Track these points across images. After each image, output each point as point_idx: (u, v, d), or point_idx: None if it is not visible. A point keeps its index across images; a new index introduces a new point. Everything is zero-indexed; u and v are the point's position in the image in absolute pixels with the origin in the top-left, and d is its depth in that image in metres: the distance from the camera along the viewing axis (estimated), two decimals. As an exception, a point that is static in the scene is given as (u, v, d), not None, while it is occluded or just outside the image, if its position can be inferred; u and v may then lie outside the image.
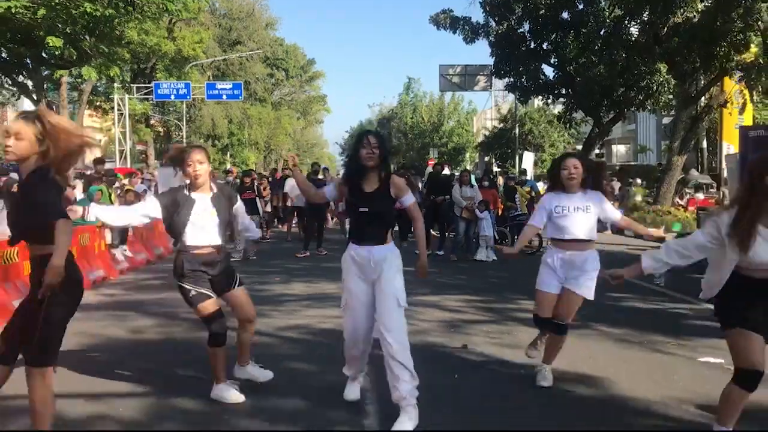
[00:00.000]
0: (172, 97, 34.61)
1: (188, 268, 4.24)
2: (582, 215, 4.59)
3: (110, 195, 10.48)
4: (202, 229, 4.22)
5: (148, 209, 4.27)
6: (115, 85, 31.87)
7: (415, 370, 4.01)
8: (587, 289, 4.68)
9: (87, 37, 18.45)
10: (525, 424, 4.05)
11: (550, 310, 4.68)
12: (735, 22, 13.72)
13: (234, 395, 4.34)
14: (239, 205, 4.64)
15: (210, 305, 4.26)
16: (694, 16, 16.64)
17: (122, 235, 10.64)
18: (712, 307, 3.82)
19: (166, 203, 4.24)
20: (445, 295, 8.37)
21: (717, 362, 5.34)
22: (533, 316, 4.87)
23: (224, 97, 35.49)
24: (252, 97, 53.50)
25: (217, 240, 4.28)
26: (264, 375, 4.62)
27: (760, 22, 12.89)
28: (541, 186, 22.45)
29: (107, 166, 27.92)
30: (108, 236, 10.15)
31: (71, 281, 3.38)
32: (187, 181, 4.33)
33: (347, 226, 14.33)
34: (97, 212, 4.17)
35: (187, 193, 4.26)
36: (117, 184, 11.43)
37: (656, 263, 3.75)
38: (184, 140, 44.93)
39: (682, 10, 16.82)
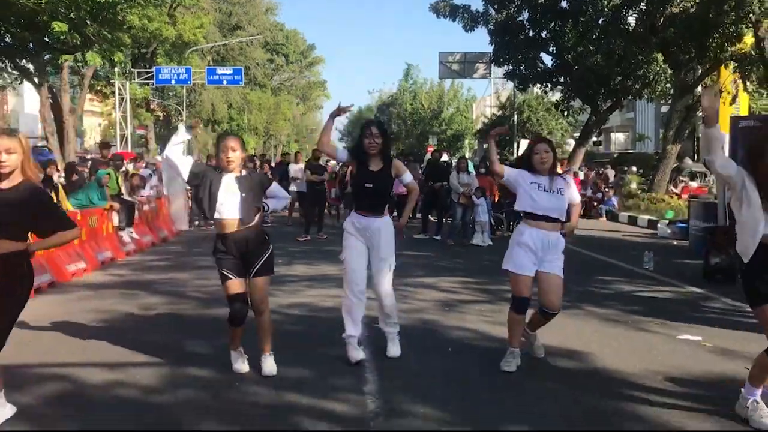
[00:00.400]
0: (173, 82, 34.79)
1: (218, 248, 4.54)
2: (556, 196, 4.71)
3: (117, 179, 10.78)
4: (223, 204, 4.45)
5: (183, 161, 4.60)
6: (116, 69, 31.93)
7: (412, 345, 5.20)
8: (561, 270, 4.83)
9: (90, 23, 18.60)
10: (515, 393, 4.39)
11: (529, 290, 4.77)
12: (727, 14, 13.95)
13: (238, 365, 4.67)
14: (274, 187, 4.80)
15: (231, 286, 4.50)
16: (692, 5, 16.85)
17: (129, 217, 10.96)
18: (695, 290, 4.18)
19: (194, 170, 4.53)
20: (441, 277, 8.72)
21: (695, 339, 5.69)
22: (513, 299, 4.84)
23: (225, 82, 35.67)
24: (252, 82, 53.58)
25: (236, 214, 4.46)
26: (269, 369, 4.61)
27: (751, 15, 13.11)
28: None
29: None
30: (115, 219, 10.47)
31: (30, 281, 3.79)
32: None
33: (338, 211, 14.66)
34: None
35: (217, 173, 4.54)
36: (123, 168, 11.70)
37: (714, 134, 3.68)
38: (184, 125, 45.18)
39: (678, 1, 17.04)
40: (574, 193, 5.00)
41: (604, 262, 10.50)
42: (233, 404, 4.11)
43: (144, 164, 14.15)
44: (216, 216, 4.51)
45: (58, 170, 10.56)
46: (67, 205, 9.41)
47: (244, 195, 4.47)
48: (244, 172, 4.60)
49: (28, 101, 45.81)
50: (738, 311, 6.82)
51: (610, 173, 22.48)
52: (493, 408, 4.08)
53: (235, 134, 4.90)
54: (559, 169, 5.26)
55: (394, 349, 5.09)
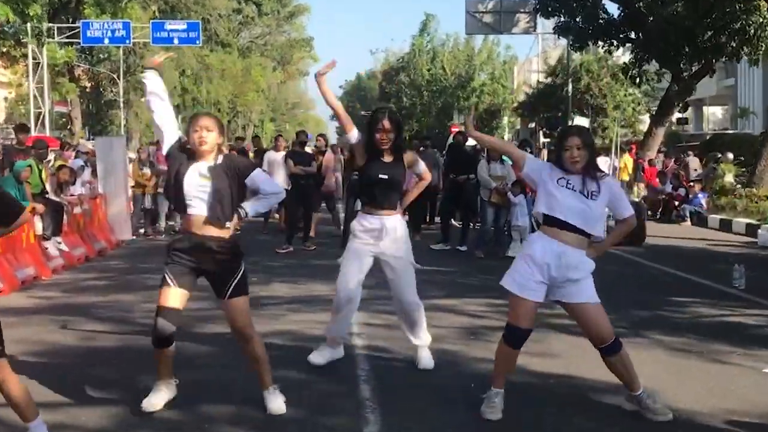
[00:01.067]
0: (106, 41, 35.20)
1: (174, 246, 5.07)
2: (587, 200, 4.83)
3: (41, 172, 11.33)
4: (190, 196, 4.93)
5: (168, 127, 5.20)
6: (29, 25, 32.36)
7: (425, 379, 6.01)
8: (595, 295, 5.06)
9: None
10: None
11: (529, 319, 5.09)
12: None
13: (151, 399, 5.10)
14: (258, 176, 5.13)
15: (167, 295, 5.00)
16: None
17: (56, 223, 11.48)
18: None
19: (169, 150, 5.10)
20: (465, 298, 9.25)
21: (785, 373, 6.16)
22: (506, 327, 5.25)
23: (176, 41, 35.88)
24: (212, 40, 54.26)
25: (203, 211, 4.91)
26: (276, 407, 5.07)
27: None
28: (602, 162, 23.21)
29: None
30: (38, 225, 10.97)
31: None
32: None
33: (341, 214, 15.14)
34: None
35: (186, 159, 5.02)
36: (49, 158, 12.26)
37: None
38: (121, 98, 45.94)
39: None
40: (620, 203, 5.06)
41: (682, 279, 11.01)
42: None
43: (73, 153, 14.68)
44: (180, 210, 5.09)
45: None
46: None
47: (216, 187, 4.91)
48: (219, 158, 5.05)
49: None
50: None
51: (693, 162, 22.86)
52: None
53: (209, 113, 5.42)
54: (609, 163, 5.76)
55: (426, 360, 6.24)
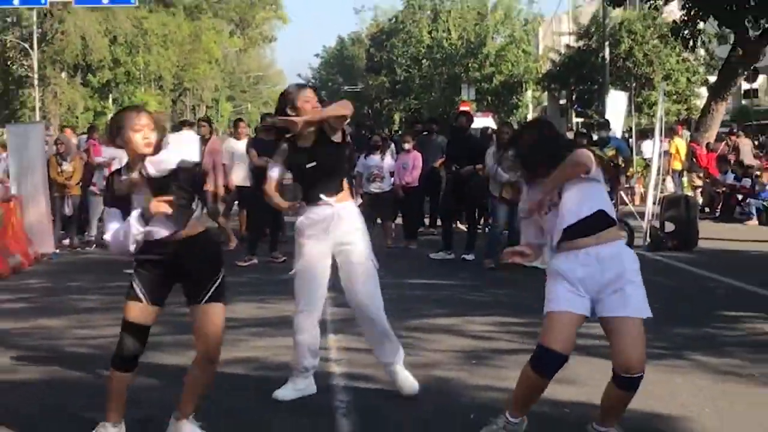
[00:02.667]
0: (16, 1, 35.28)
1: (147, 249, 5.29)
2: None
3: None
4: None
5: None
6: None
7: (418, 410, 6.32)
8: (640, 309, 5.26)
9: None
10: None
11: (568, 342, 5.26)
12: None
13: None
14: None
15: (136, 311, 5.32)
16: None
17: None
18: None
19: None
20: (468, 316, 9.58)
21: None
22: (537, 349, 5.34)
23: (105, 0, 35.96)
24: (152, -2, 54.21)
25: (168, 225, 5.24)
26: None
27: None
28: (647, 146, 23.42)
29: None
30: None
31: None
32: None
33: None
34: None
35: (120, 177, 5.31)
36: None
37: None
38: (35, 73, 46.02)
39: None
40: None
41: (739, 290, 11.36)
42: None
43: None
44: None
45: None
46: None
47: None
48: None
49: None
50: None
51: (745, 144, 22.97)
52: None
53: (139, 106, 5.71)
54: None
55: (408, 383, 6.53)
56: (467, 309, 10.13)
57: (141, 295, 5.30)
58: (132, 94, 54.53)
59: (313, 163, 6.23)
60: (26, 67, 45.71)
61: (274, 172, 6.53)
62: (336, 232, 6.32)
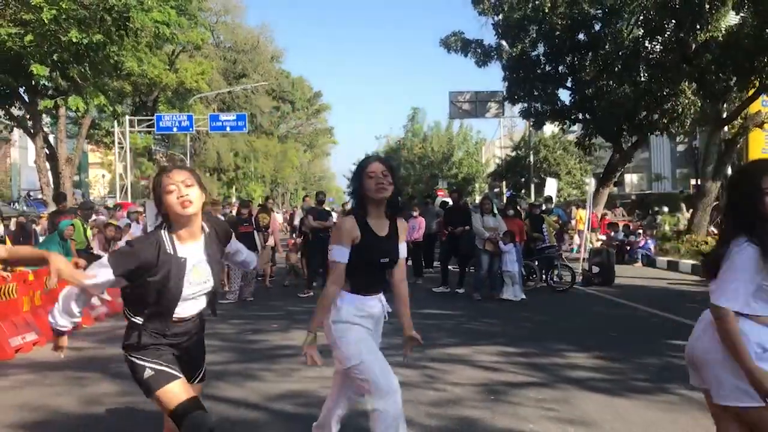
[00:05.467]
0: (175, 129, 33.64)
1: (147, 341, 2.84)
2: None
3: (85, 230, 9.18)
4: (189, 298, 2.86)
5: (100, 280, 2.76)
6: (106, 114, 30.77)
7: None
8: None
9: (75, 65, 17.29)
10: None
11: None
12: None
13: None
14: (234, 242, 3.20)
15: (182, 388, 2.79)
16: (718, 34, 15.53)
17: (100, 275, 9.32)
18: None
19: (129, 268, 2.76)
20: (475, 346, 6.91)
21: None
22: None
23: (228, 128, 34.50)
24: (258, 130, 52.85)
25: (203, 305, 2.94)
26: None
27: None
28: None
29: (109, 202, 26.86)
30: (82, 278, 8.82)
31: None
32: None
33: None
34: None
35: (169, 246, 2.80)
36: (95, 218, 10.10)
37: None
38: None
39: (709, 26, 15.65)
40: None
41: (668, 320, 8.70)
42: None
43: (126, 213, 12.58)
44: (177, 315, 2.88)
45: (3, 221, 8.96)
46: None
47: (214, 276, 2.95)
48: (205, 226, 2.93)
49: (31, 154, 44.92)
50: None
51: (619, 211, 21.40)
52: None
53: (181, 164, 3.16)
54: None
55: None
56: (471, 338, 7.43)
57: (176, 372, 2.81)
58: (246, 186, 53.06)
59: (387, 260, 3.27)
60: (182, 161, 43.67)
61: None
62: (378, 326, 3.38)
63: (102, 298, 9.28)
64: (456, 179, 49.59)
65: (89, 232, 9.26)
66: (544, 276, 11.83)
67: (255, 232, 11.16)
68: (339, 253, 3.17)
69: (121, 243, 10.76)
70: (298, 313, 9.31)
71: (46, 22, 15.63)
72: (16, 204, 29.04)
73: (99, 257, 8.82)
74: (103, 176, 51.70)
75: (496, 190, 45.65)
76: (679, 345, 6.85)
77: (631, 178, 51.76)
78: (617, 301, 10.45)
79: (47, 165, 23.76)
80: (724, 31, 15.53)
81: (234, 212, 13.33)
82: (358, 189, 3.23)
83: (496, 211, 11.30)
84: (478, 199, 48.22)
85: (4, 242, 7.72)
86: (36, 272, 7.85)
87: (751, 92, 15.38)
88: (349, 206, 13.48)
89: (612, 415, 4.54)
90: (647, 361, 6.17)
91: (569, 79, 22.29)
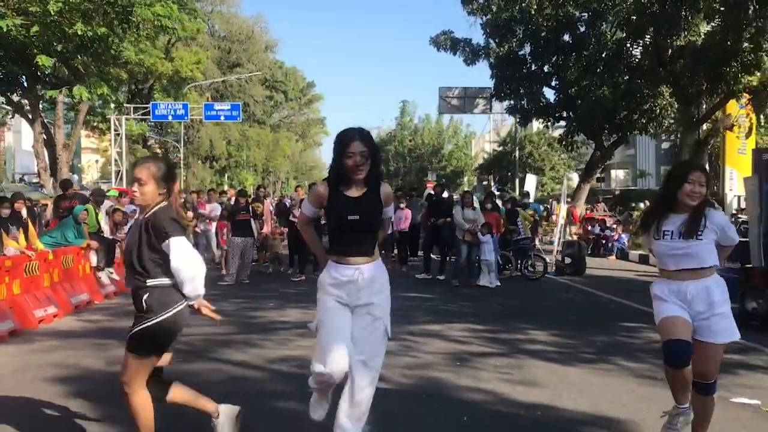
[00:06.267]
0: (170, 117, 34.27)
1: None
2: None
3: (97, 215, 9.97)
4: None
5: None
6: (112, 105, 31.45)
7: (421, 410, 4.36)
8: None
9: (79, 56, 17.99)
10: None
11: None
12: (746, 42, 13.45)
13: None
14: (167, 244, 3.34)
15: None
16: (697, 39, 16.40)
17: (108, 256, 10.13)
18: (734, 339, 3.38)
19: None
20: (448, 323, 7.81)
21: (752, 403, 4.83)
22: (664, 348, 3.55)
23: (222, 118, 35.12)
24: (251, 119, 53.35)
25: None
26: None
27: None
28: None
29: (103, 186, 27.54)
30: (93, 258, 9.63)
31: None
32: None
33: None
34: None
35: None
36: (106, 204, 10.89)
37: None
38: (181, 161, 44.73)
39: (686, 33, 16.55)
40: None
41: (625, 306, 9.61)
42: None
43: (129, 200, 13.33)
44: None
45: (27, 205, 9.72)
46: (38, 244, 8.56)
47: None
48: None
49: (25, 138, 45.35)
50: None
51: (600, 206, 22.26)
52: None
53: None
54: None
55: None
56: (445, 317, 8.34)
57: None
58: (238, 174, 53.64)
59: (356, 217, 3.40)
60: (176, 157, 44.16)
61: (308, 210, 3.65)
62: (359, 293, 3.44)
63: (111, 278, 10.12)
64: (445, 172, 50.48)
65: (101, 217, 10.04)
66: (519, 265, 12.74)
67: (252, 219, 11.96)
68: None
69: (127, 227, 11.55)
70: (292, 295, 10.17)
71: (52, 13, 16.28)
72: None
73: (110, 240, 9.66)
74: (96, 161, 52.26)
75: (485, 183, 46.63)
76: (628, 326, 7.83)
77: (616, 174, 52.78)
78: (584, 290, 11.38)
79: (45, 150, 24.46)
80: (702, 37, 16.43)
81: (231, 200, 14.13)
82: (336, 163, 3.41)
83: (476, 205, 12.21)
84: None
85: (26, 226, 8.50)
86: (55, 251, 8.65)
87: (719, 98, 16.32)
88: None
89: (557, 379, 5.43)
90: (596, 339, 7.07)
91: (554, 78, 23.21)
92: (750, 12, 13.16)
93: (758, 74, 15.08)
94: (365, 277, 3.41)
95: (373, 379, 3.43)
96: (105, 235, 10.09)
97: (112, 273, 10.20)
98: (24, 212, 8.78)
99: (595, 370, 5.73)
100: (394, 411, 4.48)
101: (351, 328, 3.44)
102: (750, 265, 7.98)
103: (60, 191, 12.09)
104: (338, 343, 3.34)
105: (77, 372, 5.63)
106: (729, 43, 13.99)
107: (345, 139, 3.37)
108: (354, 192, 3.42)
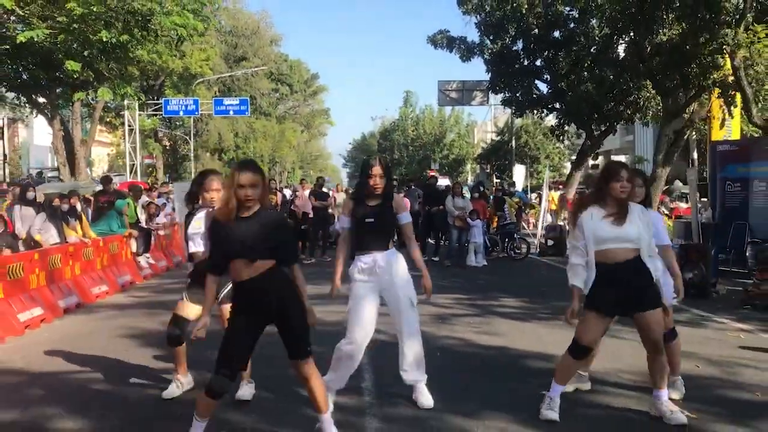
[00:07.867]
0: (181, 113, 35.71)
1: None
2: None
3: (135, 208, 11.55)
4: None
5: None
6: (126, 102, 32.93)
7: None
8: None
9: (103, 60, 19.56)
10: (489, 388, 5.08)
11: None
12: (704, 45, 14.79)
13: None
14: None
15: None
16: (672, 38, 17.70)
17: (146, 244, 11.70)
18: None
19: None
20: (437, 294, 9.25)
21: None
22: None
23: (231, 112, 36.55)
24: (257, 111, 54.67)
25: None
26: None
27: (725, 46, 13.91)
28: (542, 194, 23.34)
29: (116, 179, 29.08)
30: (133, 245, 11.22)
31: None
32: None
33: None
34: None
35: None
36: (143, 199, 12.50)
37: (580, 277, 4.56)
38: (192, 153, 46.30)
39: (663, 31, 17.88)
40: None
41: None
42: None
43: (157, 193, 14.91)
44: None
45: (80, 200, 11.30)
46: (90, 233, 10.15)
47: None
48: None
49: (37, 133, 46.99)
50: (705, 319, 7.51)
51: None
52: (471, 395, 4.77)
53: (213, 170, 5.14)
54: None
55: (425, 399, 4.72)
56: (435, 290, 9.58)
57: None
58: (246, 166, 54.84)
59: (372, 220, 4.62)
60: (186, 149, 45.66)
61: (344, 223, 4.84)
62: (382, 278, 4.70)
63: (149, 262, 11.71)
64: (447, 160, 51.73)
65: (138, 209, 11.64)
66: (505, 247, 14.28)
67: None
68: (343, 221, 4.83)
69: (160, 218, 13.15)
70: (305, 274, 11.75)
71: (76, 18, 17.70)
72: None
73: (146, 229, 11.25)
74: (108, 155, 53.82)
75: (487, 171, 48.00)
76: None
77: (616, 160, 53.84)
78: (561, 267, 12.84)
79: (63, 146, 25.99)
80: (675, 37, 17.79)
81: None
82: (361, 180, 4.70)
83: (466, 194, 13.79)
84: (470, 179, 50.64)
85: (81, 218, 10.09)
86: (104, 239, 10.24)
87: (693, 92, 17.68)
88: (343, 187, 15.98)
89: (516, 332, 6.99)
90: (557, 304, 8.58)
91: (545, 72, 24.55)
92: (700, 20, 14.50)
93: (727, 66, 16.36)
94: (381, 262, 4.65)
95: (417, 339, 4.79)
96: (142, 225, 11.69)
97: (149, 258, 11.79)
98: (78, 206, 10.36)
99: (549, 326, 7.28)
100: (385, 352, 6.04)
101: (388, 307, 4.75)
102: (686, 243, 9.49)
103: (97, 187, 13.65)
104: (361, 325, 4.64)
105: (140, 332, 7.22)
106: (687, 46, 15.38)
107: (368, 164, 4.70)
108: (372, 202, 4.66)
